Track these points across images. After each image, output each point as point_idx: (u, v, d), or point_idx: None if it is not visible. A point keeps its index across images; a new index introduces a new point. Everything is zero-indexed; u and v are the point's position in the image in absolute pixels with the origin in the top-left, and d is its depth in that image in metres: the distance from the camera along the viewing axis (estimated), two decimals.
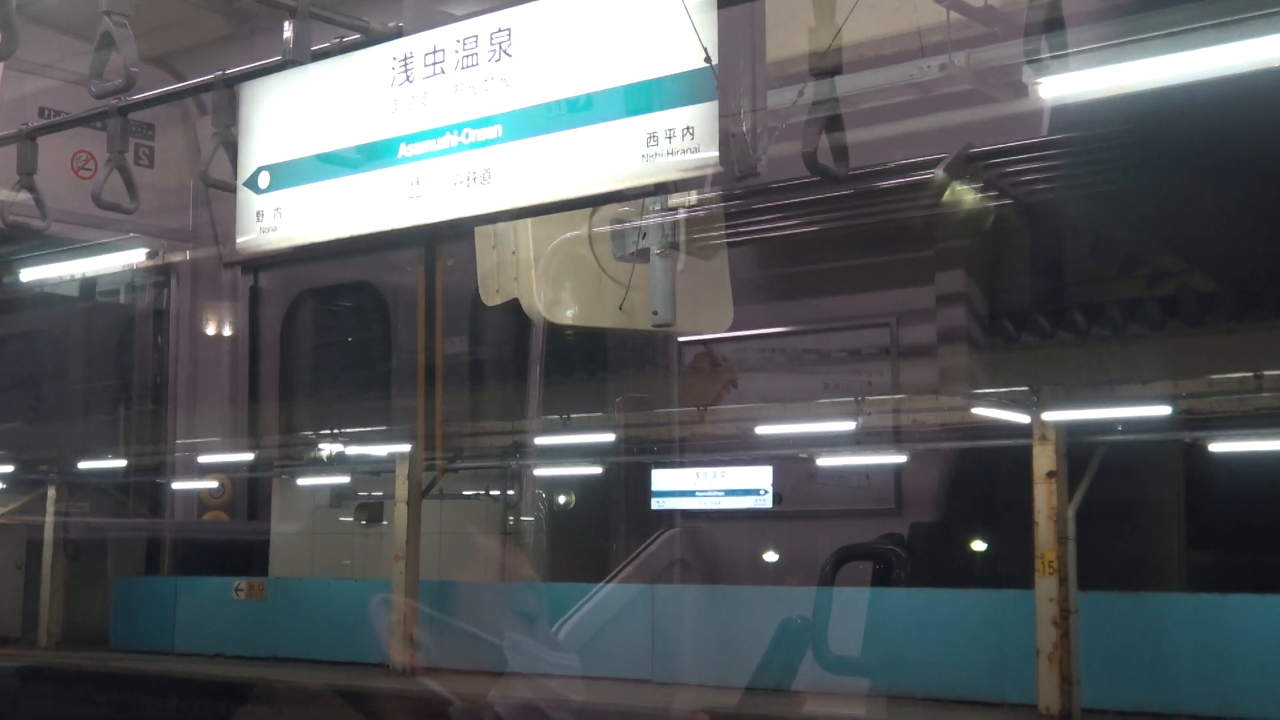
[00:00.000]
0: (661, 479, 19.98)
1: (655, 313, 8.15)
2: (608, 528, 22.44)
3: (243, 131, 8.03)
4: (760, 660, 18.27)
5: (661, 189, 6.44)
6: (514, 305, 26.12)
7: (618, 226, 8.41)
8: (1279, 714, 15.57)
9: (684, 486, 19.80)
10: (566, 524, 23.10)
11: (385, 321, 28.36)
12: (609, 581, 21.64)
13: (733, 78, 6.20)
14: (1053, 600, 16.21)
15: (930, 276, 21.17)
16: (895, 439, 18.16)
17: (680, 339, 22.96)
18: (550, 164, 6.75)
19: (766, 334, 21.66)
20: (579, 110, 6.66)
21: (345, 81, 7.55)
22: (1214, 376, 15.26)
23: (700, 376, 22.03)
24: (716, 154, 6.12)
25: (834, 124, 6.48)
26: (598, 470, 21.13)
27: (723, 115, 6.11)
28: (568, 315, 8.39)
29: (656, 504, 20.24)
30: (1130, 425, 16.53)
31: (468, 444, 21.00)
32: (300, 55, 8.18)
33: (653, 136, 6.36)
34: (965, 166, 17.61)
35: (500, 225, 8.43)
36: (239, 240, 7.96)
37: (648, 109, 6.40)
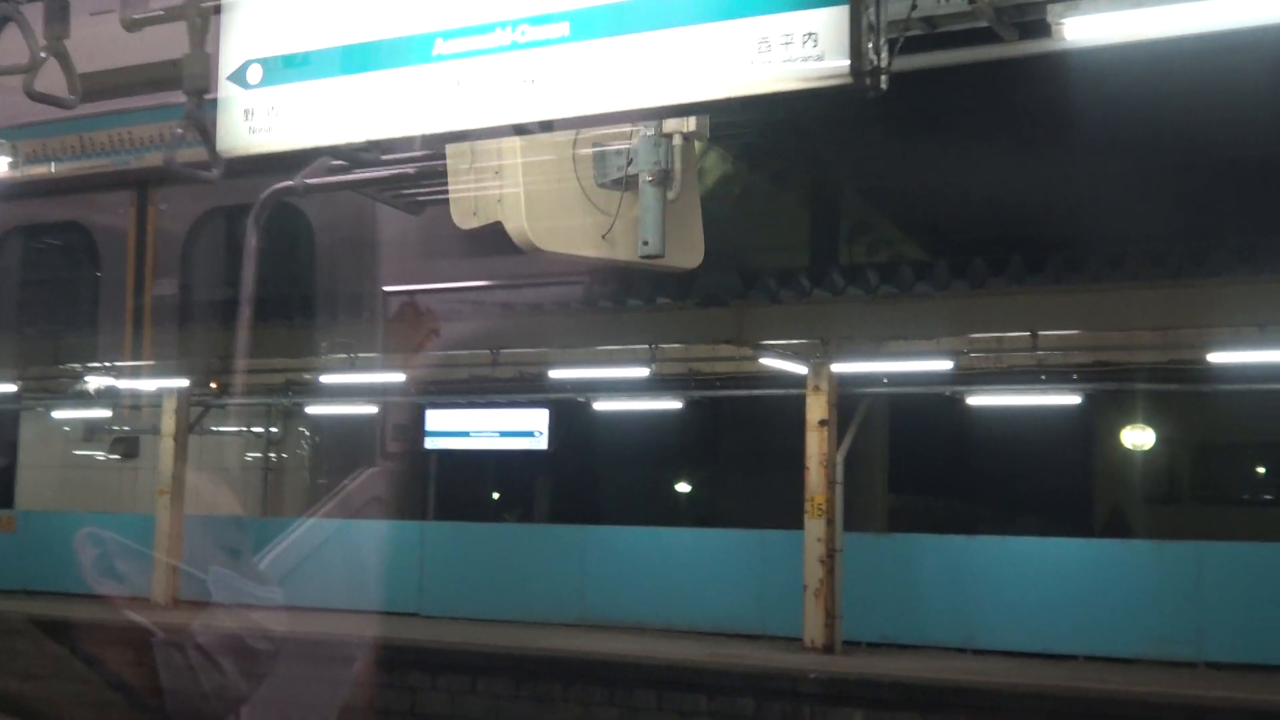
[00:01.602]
0: (435, 419, 19.03)
1: (645, 243, 7.35)
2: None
3: (226, 17, 6.84)
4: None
5: (772, 102, 5.66)
6: (223, 247, 24.83)
7: (601, 149, 7.62)
8: (1016, 645, 15.94)
9: (458, 427, 18.92)
10: (336, 462, 21.88)
11: (95, 261, 26.51)
12: (309, 517, 20.76)
13: None
14: (820, 540, 16.12)
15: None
16: (682, 386, 17.76)
17: (385, 289, 22.16)
18: (631, 70, 5.82)
19: (468, 287, 21.13)
20: (669, 9, 5.80)
21: None
22: (978, 335, 15.43)
23: (405, 325, 21.26)
24: (846, 63, 5.40)
25: None
26: (371, 410, 19.99)
27: (853, 21, 5.41)
28: (554, 242, 7.49)
29: (430, 444, 19.29)
30: (895, 379, 16.62)
31: (238, 381, 19.56)
32: None
33: (764, 42, 5.60)
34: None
35: (480, 141, 7.52)
36: (220, 143, 6.74)
37: (760, 10, 5.59)
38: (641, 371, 16.15)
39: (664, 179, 7.45)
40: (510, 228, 7.45)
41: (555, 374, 17.28)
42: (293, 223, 22.79)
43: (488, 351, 16.91)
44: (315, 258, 25.17)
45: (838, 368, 15.84)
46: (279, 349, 18.25)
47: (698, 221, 8.06)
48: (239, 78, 6.80)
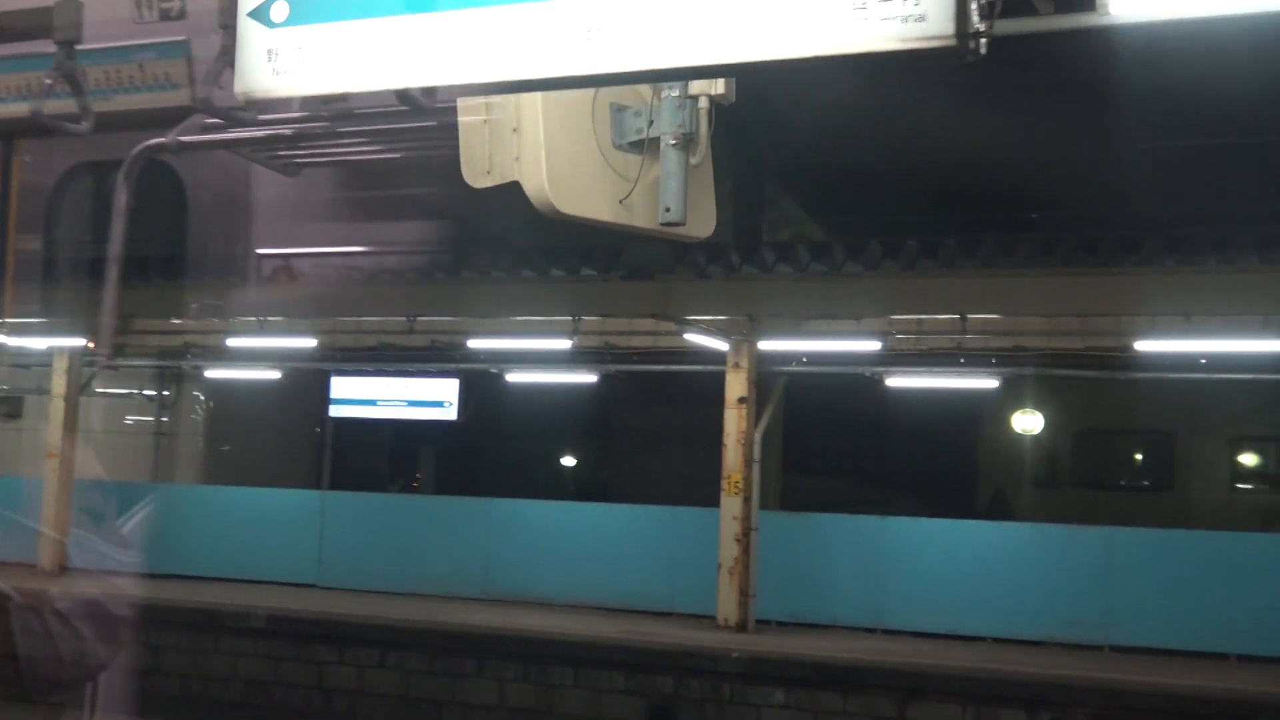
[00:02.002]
0: (341, 387, 18.31)
1: (667, 209, 6.89)
2: (276, 433, 20.57)
3: None
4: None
5: (864, 63, 5.24)
6: (92, 203, 23.86)
7: (620, 109, 7.13)
8: (925, 626, 15.85)
9: (365, 395, 18.23)
10: (233, 428, 21.00)
11: None
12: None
13: None
14: (736, 518, 15.83)
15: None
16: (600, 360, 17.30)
17: (259, 251, 21.50)
18: (705, 22, 5.39)
19: (339, 252, 20.66)
20: None
21: None
22: (904, 317, 15.28)
23: (279, 288, 20.65)
24: (951, 24, 5.00)
25: None
26: (277, 375, 19.15)
27: None
28: (573, 205, 6.97)
29: (335, 411, 18.58)
30: (814, 358, 16.39)
31: (131, 342, 18.60)
32: None
33: None
34: None
35: (497, 96, 6.99)
36: (238, 85, 6.10)
37: None
38: (564, 343, 15.68)
39: (687, 143, 7.01)
40: (528, 187, 6.90)
41: (474, 344, 16.71)
42: (179, 180, 21.97)
43: (403, 319, 16.27)
44: (196, 217, 24.31)
45: (760, 345, 15.54)
46: (175, 310, 17.48)
47: (711, 189, 7.62)
48: (261, 14, 6.13)
